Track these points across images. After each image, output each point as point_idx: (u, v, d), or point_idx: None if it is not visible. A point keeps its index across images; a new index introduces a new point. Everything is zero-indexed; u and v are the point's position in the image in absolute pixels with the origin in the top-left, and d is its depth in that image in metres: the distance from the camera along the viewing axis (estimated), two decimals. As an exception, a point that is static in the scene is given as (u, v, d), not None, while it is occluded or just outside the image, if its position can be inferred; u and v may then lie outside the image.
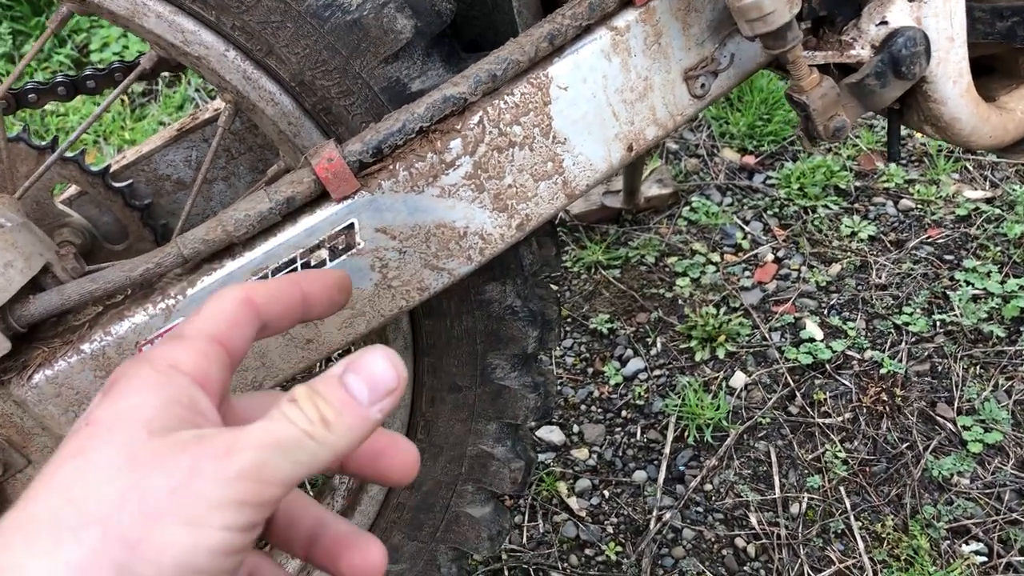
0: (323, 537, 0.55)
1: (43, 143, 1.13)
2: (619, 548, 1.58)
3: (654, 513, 1.62)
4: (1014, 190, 2.12)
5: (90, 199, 1.19)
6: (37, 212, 1.17)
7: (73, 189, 1.21)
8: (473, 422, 1.15)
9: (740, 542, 1.57)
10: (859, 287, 1.96)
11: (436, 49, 0.92)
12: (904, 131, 2.25)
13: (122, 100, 2.52)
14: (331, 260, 0.83)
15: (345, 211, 0.81)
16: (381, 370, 0.49)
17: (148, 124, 2.47)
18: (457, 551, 1.23)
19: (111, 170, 1.19)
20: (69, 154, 1.14)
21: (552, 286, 1.68)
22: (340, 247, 0.82)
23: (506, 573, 1.56)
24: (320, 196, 0.81)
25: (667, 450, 1.71)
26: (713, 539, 1.58)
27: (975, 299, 1.90)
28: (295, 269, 0.82)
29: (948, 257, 2.00)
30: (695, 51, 0.89)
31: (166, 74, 2.64)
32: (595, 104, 0.86)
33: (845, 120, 0.88)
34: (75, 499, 0.44)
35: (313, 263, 0.82)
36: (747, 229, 2.11)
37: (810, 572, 1.52)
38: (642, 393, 1.81)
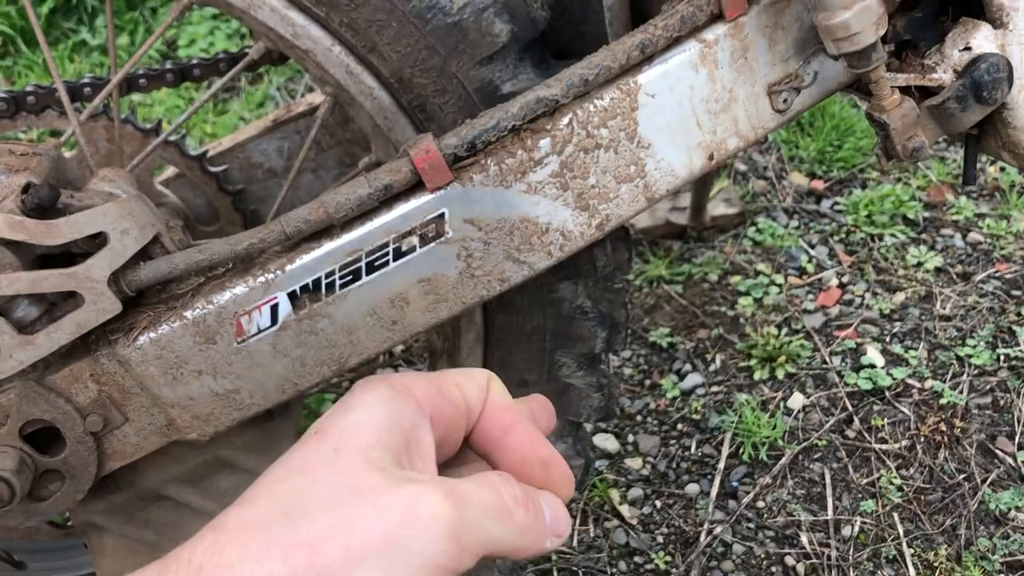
0: None
1: (148, 126, 1.20)
2: (668, 558, 1.60)
3: (705, 526, 1.64)
4: (1087, 229, 2.10)
5: (186, 181, 1.26)
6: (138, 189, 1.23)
7: (170, 171, 1.28)
8: (537, 417, 1.18)
9: (790, 560, 1.58)
10: (923, 317, 1.96)
11: (528, 54, 0.97)
12: (977, 164, 2.24)
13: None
14: (421, 246, 0.87)
15: (438, 201, 0.86)
16: (565, 516, 0.55)
17: (229, 119, 2.56)
18: (513, 543, 1.27)
19: (208, 155, 1.25)
20: (171, 138, 1.20)
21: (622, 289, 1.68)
22: (430, 235, 0.87)
23: (555, 574, 1.59)
24: (415, 185, 0.86)
25: (721, 465, 1.73)
26: (763, 555, 1.59)
27: (1042, 336, 1.88)
28: (387, 252, 0.86)
29: (1016, 292, 1.98)
30: (780, 67, 0.92)
31: (248, 73, 2.73)
32: (680, 112, 0.89)
33: (923, 141, 0.90)
34: (292, 515, 0.47)
35: (404, 248, 0.87)
36: (812, 253, 2.12)
37: (859, 595, 1.52)
38: (699, 408, 1.83)
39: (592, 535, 1.64)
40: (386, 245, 0.86)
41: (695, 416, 1.82)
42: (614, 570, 1.59)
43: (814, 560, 1.58)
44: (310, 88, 2.63)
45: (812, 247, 2.14)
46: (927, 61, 0.92)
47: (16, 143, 0.92)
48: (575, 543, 1.63)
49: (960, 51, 0.90)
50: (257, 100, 2.62)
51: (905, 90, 0.93)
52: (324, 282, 0.87)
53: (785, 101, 0.93)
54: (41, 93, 1.14)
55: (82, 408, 0.89)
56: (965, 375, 1.83)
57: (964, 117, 0.90)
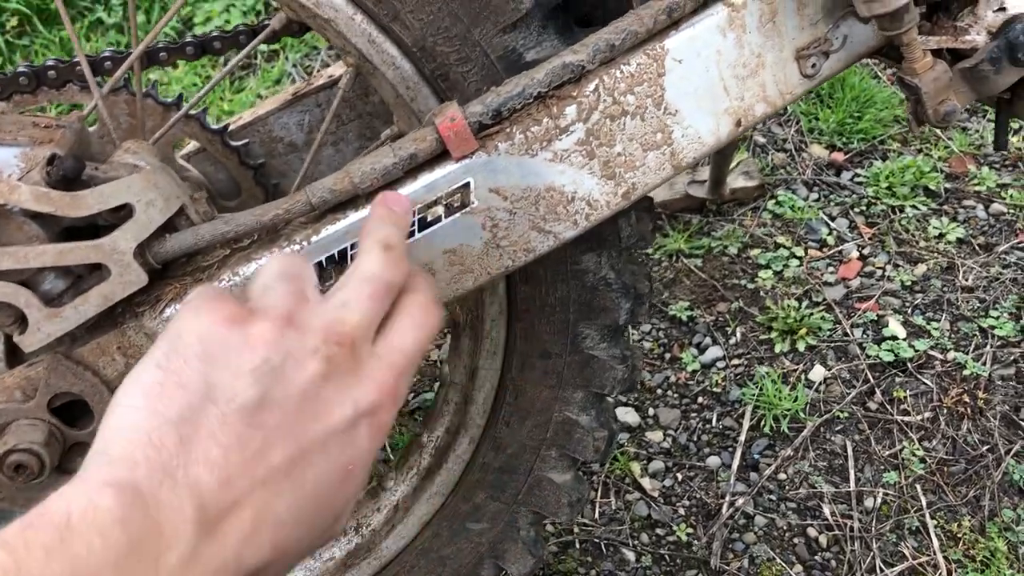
0: None
1: (169, 100, 1.20)
2: (690, 530, 1.60)
3: (727, 498, 1.64)
4: (1113, 199, 2.07)
5: (207, 156, 1.25)
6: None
7: (192, 146, 1.28)
8: (561, 389, 1.18)
9: (812, 532, 1.58)
10: (945, 288, 1.94)
11: (552, 21, 0.95)
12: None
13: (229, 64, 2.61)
14: (446, 217, 0.86)
15: (463, 170, 0.85)
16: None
17: (246, 96, 2.55)
18: (537, 515, 1.27)
19: (229, 129, 1.25)
20: (192, 112, 1.20)
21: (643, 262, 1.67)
22: (455, 204, 0.86)
23: (577, 545, 1.59)
24: (440, 154, 0.85)
25: (742, 438, 1.72)
26: (785, 527, 1.59)
27: (1066, 307, 1.86)
28: (412, 222, 0.86)
29: (1040, 263, 1.96)
30: (808, 31, 0.91)
31: (265, 49, 2.72)
32: (707, 78, 0.88)
33: (955, 104, 0.89)
34: None
35: (429, 218, 0.86)
36: (833, 225, 2.10)
37: (882, 566, 1.52)
38: (719, 381, 1.83)
39: (613, 507, 1.65)
40: (411, 215, 0.86)
41: (716, 389, 1.81)
42: (636, 542, 1.59)
43: (836, 531, 1.58)
44: (326, 64, 2.62)
45: (832, 219, 2.12)
46: (960, 23, 0.90)
47: (40, 116, 0.91)
48: (596, 515, 1.63)
49: (994, 12, 0.88)
50: (274, 77, 2.61)
51: (936, 53, 0.91)
52: (350, 252, 0.86)
53: (814, 66, 0.92)
54: (62, 67, 1.13)
55: (110, 381, 0.89)
56: (988, 346, 1.82)
57: (998, 80, 0.88)
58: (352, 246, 0.86)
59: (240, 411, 0.52)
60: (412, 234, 0.86)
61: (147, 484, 0.49)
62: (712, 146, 0.92)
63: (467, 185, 0.86)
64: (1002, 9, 0.88)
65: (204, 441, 0.51)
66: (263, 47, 2.68)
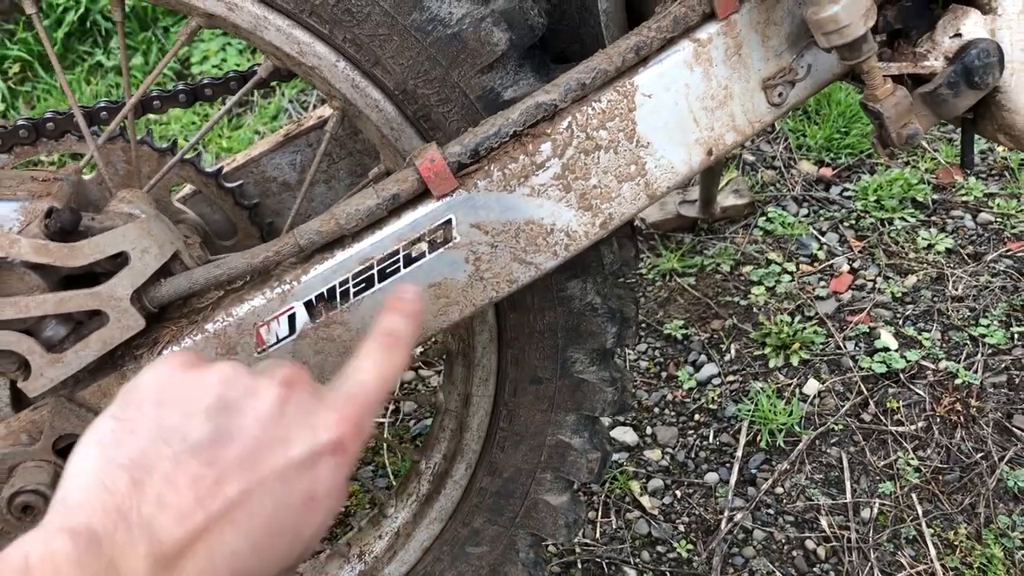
0: None
1: (164, 146, 1.23)
2: (690, 546, 1.62)
3: (725, 513, 1.66)
4: (1099, 204, 2.10)
5: (203, 198, 1.29)
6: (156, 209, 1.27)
7: (188, 189, 1.32)
8: (553, 413, 1.21)
9: (810, 544, 1.60)
10: (935, 299, 1.97)
11: (528, 60, 0.99)
12: (985, 144, 2.25)
13: (220, 110, 2.65)
14: (430, 252, 0.90)
15: (444, 208, 0.89)
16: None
17: (244, 133, 2.60)
18: (535, 537, 1.29)
19: (223, 171, 1.29)
20: (187, 156, 1.24)
21: (631, 285, 1.73)
22: (439, 240, 0.90)
23: (579, 565, 1.61)
24: (422, 194, 0.89)
25: (739, 453, 1.75)
26: (783, 540, 1.61)
27: (1055, 313, 1.89)
28: (398, 259, 0.89)
29: (1028, 270, 1.99)
30: (773, 61, 0.94)
31: (260, 89, 2.77)
32: (677, 111, 0.92)
33: (918, 128, 0.92)
34: None
35: (414, 255, 0.90)
36: (823, 240, 2.13)
37: (880, 576, 1.54)
38: (715, 398, 1.85)
39: (614, 526, 1.67)
40: (396, 252, 0.89)
41: (712, 406, 1.84)
42: (637, 560, 1.61)
43: (834, 543, 1.60)
44: (322, 99, 2.67)
45: (822, 234, 2.16)
46: (919, 49, 0.94)
47: (38, 170, 0.95)
48: (597, 535, 1.66)
49: (951, 38, 0.92)
50: (271, 113, 2.66)
51: (898, 78, 0.95)
52: (339, 290, 0.90)
53: (780, 95, 0.95)
54: (60, 119, 1.17)
55: (112, 421, 0.92)
56: (979, 355, 1.84)
57: (957, 103, 0.91)
58: (340, 283, 0.89)
59: (193, 449, 0.54)
60: (398, 270, 0.90)
61: (102, 527, 0.50)
62: (685, 175, 0.95)
63: (449, 222, 0.89)
64: (958, 35, 0.91)
65: (157, 482, 0.52)
66: (259, 84, 2.73)
